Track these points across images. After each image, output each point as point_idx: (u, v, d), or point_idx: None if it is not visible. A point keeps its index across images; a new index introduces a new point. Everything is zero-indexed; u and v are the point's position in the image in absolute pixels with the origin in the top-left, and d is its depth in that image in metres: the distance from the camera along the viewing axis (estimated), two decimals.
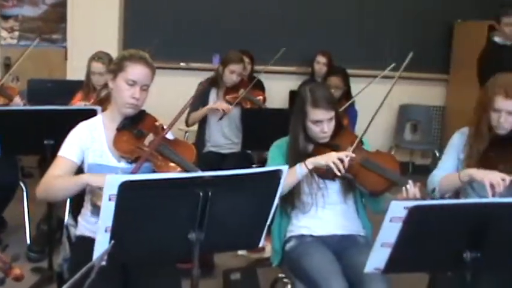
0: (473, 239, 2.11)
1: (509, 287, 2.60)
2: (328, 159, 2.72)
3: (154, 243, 2.15)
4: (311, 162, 2.77)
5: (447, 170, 2.97)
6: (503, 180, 2.65)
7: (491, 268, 2.26)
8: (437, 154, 6.56)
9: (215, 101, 4.79)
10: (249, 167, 4.53)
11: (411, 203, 2.03)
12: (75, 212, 2.80)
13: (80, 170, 2.67)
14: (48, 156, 3.46)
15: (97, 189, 2.50)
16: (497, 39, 5.22)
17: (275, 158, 2.91)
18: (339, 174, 2.70)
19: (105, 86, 3.95)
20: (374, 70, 6.40)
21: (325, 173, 2.80)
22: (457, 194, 2.99)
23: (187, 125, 4.87)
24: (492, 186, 2.66)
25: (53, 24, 6.77)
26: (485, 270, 2.27)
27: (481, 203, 2.21)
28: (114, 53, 4.82)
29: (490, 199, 2.56)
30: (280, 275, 3.01)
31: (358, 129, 4.95)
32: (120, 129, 2.69)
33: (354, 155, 2.75)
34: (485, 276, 2.40)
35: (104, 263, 1.95)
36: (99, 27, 6.28)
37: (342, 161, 2.70)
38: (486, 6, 6.33)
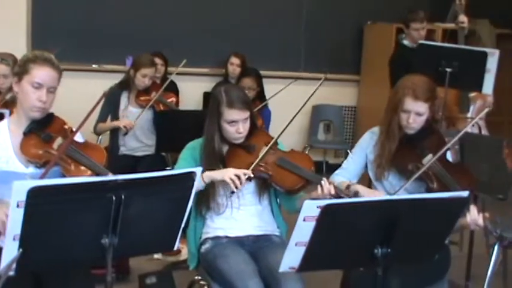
0: (384, 235, 2.18)
1: (414, 276, 2.70)
2: (225, 175, 2.72)
3: (66, 250, 2.10)
4: (208, 176, 2.75)
5: (350, 171, 3.06)
6: None
7: (399, 262, 2.33)
8: (350, 153, 6.71)
9: (126, 105, 4.75)
10: (163, 169, 4.50)
11: (324, 202, 2.07)
12: None
13: None
14: None
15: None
16: (406, 42, 5.40)
17: (185, 160, 2.91)
18: (235, 190, 2.70)
19: (11, 88, 3.82)
20: (287, 71, 6.54)
21: None
22: None
23: (95, 133, 4.83)
24: None
25: None
26: (395, 264, 2.34)
27: (390, 200, 2.28)
28: (22, 55, 4.66)
29: (399, 196, 2.64)
30: (196, 277, 3.00)
31: (272, 129, 5.00)
32: (27, 133, 2.61)
33: (252, 175, 2.75)
34: (394, 269, 2.47)
35: (12, 272, 1.89)
36: (5, 27, 6.05)
37: (239, 178, 2.70)
38: (394, 9, 6.53)
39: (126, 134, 4.67)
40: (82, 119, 2.58)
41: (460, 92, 5.32)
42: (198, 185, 2.68)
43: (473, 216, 2.63)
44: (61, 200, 1.96)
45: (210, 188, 2.83)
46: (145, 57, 4.79)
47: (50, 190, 1.94)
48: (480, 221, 2.63)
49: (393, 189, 2.93)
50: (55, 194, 1.95)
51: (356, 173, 3.06)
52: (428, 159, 2.86)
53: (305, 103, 2.98)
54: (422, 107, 2.89)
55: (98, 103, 2.61)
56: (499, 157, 3.77)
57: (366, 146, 3.08)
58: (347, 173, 3.05)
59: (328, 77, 6.58)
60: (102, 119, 4.74)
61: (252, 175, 2.75)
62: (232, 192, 2.74)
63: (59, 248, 2.07)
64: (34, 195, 1.89)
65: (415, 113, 2.90)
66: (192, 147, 2.95)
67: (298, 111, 2.96)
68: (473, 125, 5.13)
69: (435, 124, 3.04)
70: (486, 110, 3.40)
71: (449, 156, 3.07)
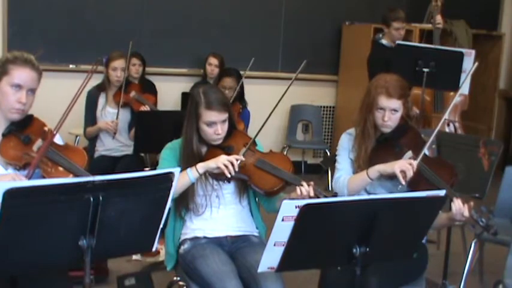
0: (362, 235, 2.19)
1: (392, 274, 2.71)
2: (218, 161, 2.73)
3: (43, 252, 2.07)
4: (202, 166, 2.78)
5: (347, 171, 3.03)
6: (410, 164, 2.76)
7: (377, 260, 2.34)
8: (328, 153, 6.75)
9: (104, 105, 4.77)
10: (142, 169, 4.49)
11: (302, 202, 2.07)
12: None
13: None
14: None
15: None
16: (383, 41, 5.43)
17: (167, 160, 2.90)
18: (229, 176, 2.72)
19: None
20: (265, 71, 6.55)
21: (219, 175, 2.81)
22: None
23: (86, 137, 4.87)
24: (403, 172, 2.76)
25: None
26: (373, 263, 2.35)
27: (368, 199, 2.29)
28: None
29: (377, 196, 2.65)
30: (175, 278, 2.99)
31: (251, 130, 5.01)
32: (5, 135, 2.58)
33: (243, 159, 2.78)
34: (372, 268, 2.48)
35: None
36: None
37: (232, 163, 2.72)
38: (372, 10, 6.58)
39: (115, 134, 4.68)
40: (60, 120, 2.56)
41: (434, 91, 5.38)
42: (192, 176, 2.74)
43: (458, 206, 2.64)
44: (38, 201, 1.94)
45: (189, 189, 2.82)
46: (115, 52, 4.85)
47: (26, 192, 1.92)
48: (466, 211, 2.63)
49: (373, 188, 2.95)
50: (31, 196, 1.93)
51: (353, 170, 3.05)
52: (408, 156, 2.88)
53: (280, 98, 2.97)
54: (396, 104, 2.92)
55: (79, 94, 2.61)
56: (476, 156, 3.81)
57: (347, 146, 3.08)
58: (346, 171, 3.03)
59: (306, 77, 6.67)
60: (88, 123, 4.77)
61: (243, 159, 2.76)
62: (227, 179, 2.75)
63: (36, 250, 2.05)
64: (10, 197, 1.87)
65: (390, 110, 2.92)
66: (172, 148, 2.94)
67: (274, 109, 2.94)
68: (448, 125, 5.20)
69: (410, 121, 3.06)
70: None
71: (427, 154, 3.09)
